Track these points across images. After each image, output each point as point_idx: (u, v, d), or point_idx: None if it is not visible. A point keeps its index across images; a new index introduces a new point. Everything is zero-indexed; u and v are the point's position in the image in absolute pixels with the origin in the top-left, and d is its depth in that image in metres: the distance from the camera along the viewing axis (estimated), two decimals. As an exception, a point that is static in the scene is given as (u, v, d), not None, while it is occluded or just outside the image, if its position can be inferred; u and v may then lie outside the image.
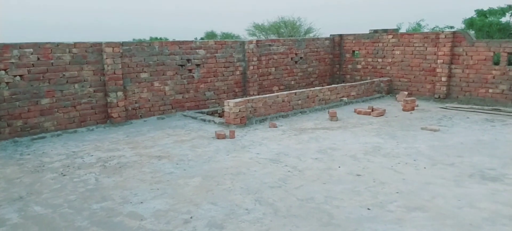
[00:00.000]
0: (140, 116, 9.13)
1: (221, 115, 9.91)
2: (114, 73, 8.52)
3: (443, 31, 11.11)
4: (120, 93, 8.63)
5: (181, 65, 9.68)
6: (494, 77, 10.23)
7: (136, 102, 9.04)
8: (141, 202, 4.80)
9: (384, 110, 9.76)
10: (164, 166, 6.06)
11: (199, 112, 9.77)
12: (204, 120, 8.98)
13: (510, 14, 18.63)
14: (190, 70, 9.86)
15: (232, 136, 7.59)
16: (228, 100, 8.39)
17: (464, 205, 4.57)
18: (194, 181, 5.45)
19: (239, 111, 8.32)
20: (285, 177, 5.54)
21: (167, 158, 6.45)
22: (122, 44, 8.70)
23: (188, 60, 9.78)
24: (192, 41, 9.84)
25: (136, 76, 8.97)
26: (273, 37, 26.73)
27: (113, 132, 8.19)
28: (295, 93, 9.69)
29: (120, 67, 8.58)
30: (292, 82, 12.32)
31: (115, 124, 8.62)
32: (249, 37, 28.56)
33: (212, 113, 10.03)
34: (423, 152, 6.59)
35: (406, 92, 11.49)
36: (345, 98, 10.91)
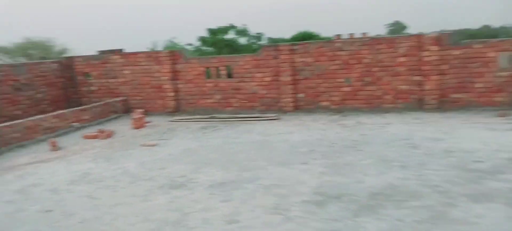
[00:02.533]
0: None
1: None
2: None
3: (161, 51, 12.13)
4: None
5: None
6: (209, 89, 11.80)
7: None
8: None
9: (112, 131, 9.92)
10: None
11: None
12: None
13: (235, 31, 21.95)
14: None
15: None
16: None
17: (139, 221, 5.03)
18: None
19: None
20: (-44, 233, 4.90)
21: None
22: None
23: None
24: None
25: None
26: (22, 59, 23.62)
27: None
28: (11, 126, 8.76)
29: None
30: (18, 112, 11.11)
31: None
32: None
33: None
34: (129, 170, 6.98)
35: (140, 110, 12.00)
36: (76, 124, 10.56)
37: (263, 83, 11.27)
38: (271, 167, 6.63)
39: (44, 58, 23.11)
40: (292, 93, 11.01)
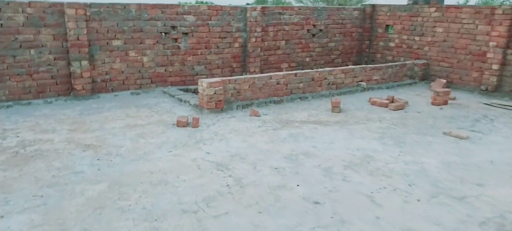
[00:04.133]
0: (112, 89, 7.99)
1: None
2: (78, 39, 7.37)
3: (500, 6, 8.69)
4: (84, 63, 7.50)
5: (164, 33, 8.32)
6: (563, 70, 7.80)
7: (106, 74, 7.88)
8: (1, 217, 3.62)
9: (406, 102, 7.80)
10: (81, 161, 4.83)
11: (183, 90, 8.45)
12: (180, 100, 7.64)
13: None
14: (175, 39, 8.48)
15: (195, 124, 6.19)
16: (202, 80, 6.95)
17: None
18: (96, 189, 4.16)
19: (214, 93, 6.86)
20: (215, 195, 4.08)
21: (95, 149, 5.22)
22: (90, 5, 7.48)
23: (173, 27, 8.38)
24: (178, 5, 8.40)
25: (107, 43, 7.77)
26: (322, 4, 24.44)
27: (70, 107, 7.12)
28: (296, 75, 8.00)
29: (86, 32, 7.40)
30: (307, 59, 10.53)
31: (78, 97, 7.55)
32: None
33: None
34: (430, 172, 4.76)
35: (444, 81, 9.32)
36: (363, 84, 9.01)
37: None
38: None
39: (341, 4, 22.77)
40: None
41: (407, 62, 9.94)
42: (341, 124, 6.61)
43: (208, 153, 5.19)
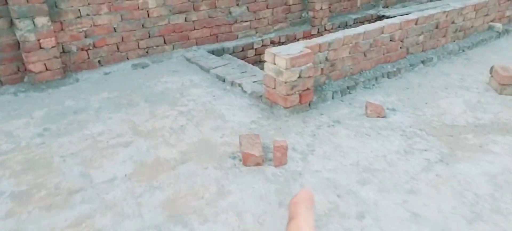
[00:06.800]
0: (99, 62, 4.61)
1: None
2: (22, -24, 3.85)
3: None
4: (42, 20, 4.04)
5: (180, -46, 4.75)
6: None
7: (86, 36, 4.45)
8: None
9: None
10: None
11: (215, 52, 5.09)
12: (222, 80, 4.34)
13: None
14: (199, -35, 4.92)
15: (280, 159, 3.00)
16: (271, 51, 3.60)
17: None
18: None
19: (299, 77, 3.56)
20: None
21: None
22: None
23: None
24: None
25: (80, -20, 4.25)
26: None
27: (22, 112, 3.79)
28: (416, 22, 4.62)
29: (36, -40, 3.86)
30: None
31: (38, 84, 4.21)
32: None
33: (242, 50, 5.32)
34: None
35: None
36: (498, 25, 5.68)
37: None
38: None
39: None
40: None
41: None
42: (548, 129, 3.46)
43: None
